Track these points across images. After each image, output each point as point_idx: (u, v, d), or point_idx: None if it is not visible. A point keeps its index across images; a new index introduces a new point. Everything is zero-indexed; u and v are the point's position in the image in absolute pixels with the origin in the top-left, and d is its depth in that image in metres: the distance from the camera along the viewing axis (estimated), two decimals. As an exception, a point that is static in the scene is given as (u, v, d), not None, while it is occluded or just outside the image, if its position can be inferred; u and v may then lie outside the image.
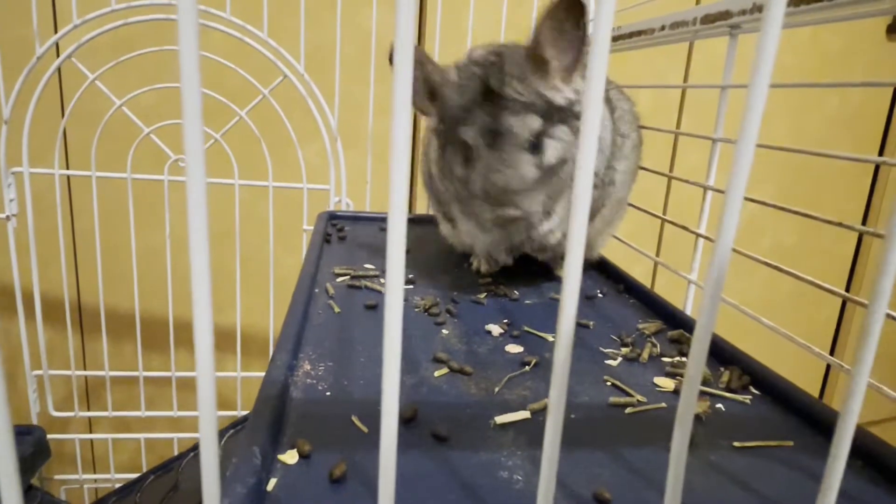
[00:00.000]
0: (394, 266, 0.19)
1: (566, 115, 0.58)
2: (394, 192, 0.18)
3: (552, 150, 0.56)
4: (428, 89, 0.61)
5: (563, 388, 0.19)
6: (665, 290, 0.64)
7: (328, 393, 0.41)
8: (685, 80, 1.46)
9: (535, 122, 0.56)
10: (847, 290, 1.67)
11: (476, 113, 0.56)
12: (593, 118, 0.19)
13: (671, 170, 1.50)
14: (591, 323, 0.58)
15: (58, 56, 1.01)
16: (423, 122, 0.91)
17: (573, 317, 0.20)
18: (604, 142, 0.63)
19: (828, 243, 1.64)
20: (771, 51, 0.18)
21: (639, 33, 0.71)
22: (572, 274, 0.20)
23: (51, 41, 0.97)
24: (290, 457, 0.33)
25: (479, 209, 0.57)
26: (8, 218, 1.04)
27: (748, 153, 0.19)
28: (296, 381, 0.42)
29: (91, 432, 1.40)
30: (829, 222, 0.48)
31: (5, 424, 0.18)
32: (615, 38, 0.77)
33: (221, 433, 0.93)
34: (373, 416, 0.38)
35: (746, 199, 0.59)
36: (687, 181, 0.65)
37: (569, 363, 0.19)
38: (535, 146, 0.56)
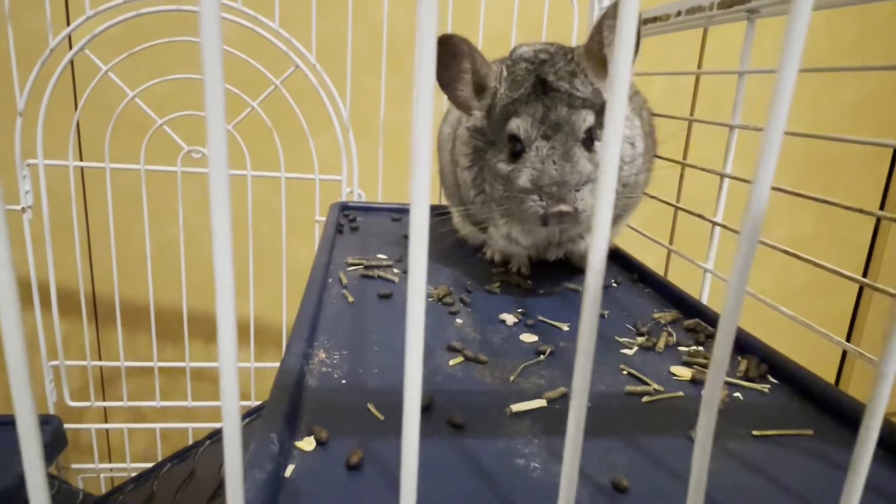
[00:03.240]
0: (416, 255, 0.18)
1: None
2: (414, 183, 0.17)
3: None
4: (475, 83, 0.60)
5: (586, 377, 0.19)
6: (678, 279, 0.63)
7: (343, 381, 0.41)
8: (699, 69, 1.44)
9: (590, 117, 0.55)
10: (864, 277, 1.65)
11: (531, 105, 0.55)
12: (620, 104, 0.19)
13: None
14: (606, 312, 0.58)
15: (70, 48, 1.01)
16: (440, 120, 0.91)
17: (597, 307, 0.20)
18: (636, 150, 0.62)
19: (844, 233, 1.62)
20: (801, 31, 0.18)
21: (654, 20, 0.70)
22: (596, 261, 0.19)
23: (64, 33, 0.97)
24: (308, 443, 0.33)
25: (529, 205, 0.54)
26: (23, 210, 1.04)
27: (776, 139, 0.18)
28: (311, 370, 0.42)
29: (106, 422, 1.42)
30: (850, 208, 0.47)
31: (31, 417, 0.18)
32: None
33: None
34: (388, 404, 0.38)
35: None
36: (703, 169, 0.64)
37: (592, 349, 0.19)
38: (589, 144, 0.55)
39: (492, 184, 0.59)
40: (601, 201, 0.19)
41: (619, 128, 0.19)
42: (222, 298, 0.16)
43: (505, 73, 0.58)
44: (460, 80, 0.59)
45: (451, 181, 0.69)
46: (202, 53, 0.16)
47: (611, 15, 0.54)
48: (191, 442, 1.11)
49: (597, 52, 0.57)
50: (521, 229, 0.61)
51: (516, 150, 0.56)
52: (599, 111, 0.56)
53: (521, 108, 0.55)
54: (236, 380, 0.17)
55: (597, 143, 0.56)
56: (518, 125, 0.55)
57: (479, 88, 0.60)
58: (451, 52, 0.58)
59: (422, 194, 0.18)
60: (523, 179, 0.54)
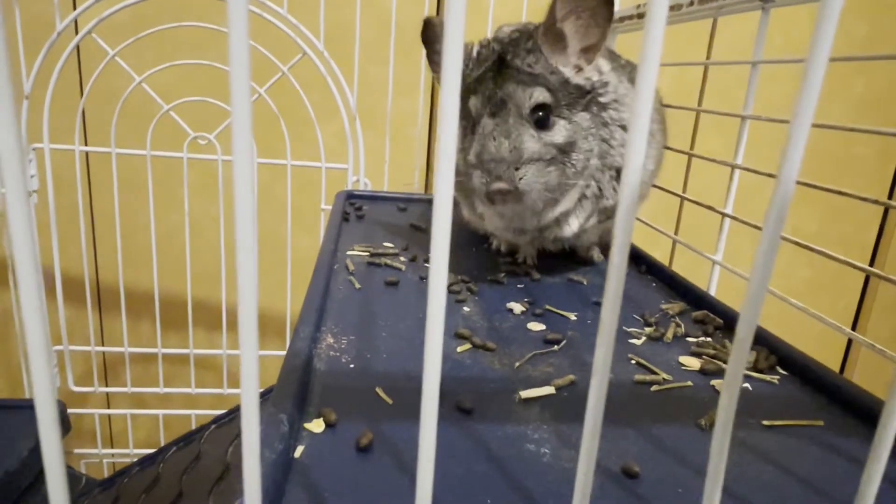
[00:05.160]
0: (439, 244, 0.18)
1: (587, 99, 0.56)
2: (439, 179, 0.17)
3: (560, 130, 0.55)
4: None
5: (608, 356, 0.19)
6: (683, 274, 0.63)
7: (351, 365, 0.41)
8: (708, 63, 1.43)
9: (540, 94, 0.54)
10: (868, 277, 1.64)
11: (485, 83, 0.56)
12: (647, 97, 0.18)
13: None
14: (614, 303, 0.58)
15: (77, 33, 1.01)
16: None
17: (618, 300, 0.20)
18: (658, 144, 0.63)
19: (849, 231, 1.61)
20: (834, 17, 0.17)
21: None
22: (620, 253, 0.19)
23: (71, 16, 0.97)
24: (317, 425, 0.33)
25: (475, 180, 0.55)
26: (29, 194, 1.04)
27: (804, 128, 0.18)
28: (319, 354, 0.42)
29: (109, 408, 1.42)
30: (858, 197, 0.47)
31: (50, 403, 0.18)
32: (640, 16, 0.75)
33: (238, 408, 0.94)
34: (396, 389, 0.38)
35: (767, 174, 0.58)
36: (715, 160, 0.64)
37: (615, 329, 0.19)
38: (543, 122, 0.55)
39: (459, 155, 0.59)
40: (624, 194, 0.19)
41: (645, 120, 0.19)
42: (244, 268, 0.16)
43: (475, 54, 0.59)
44: (435, 62, 0.63)
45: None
46: (229, 44, 0.16)
47: None
48: (193, 429, 1.12)
49: (552, 29, 0.55)
50: (485, 209, 0.62)
51: (470, 126, 0.57)
52: (555, 89, 0.55)
53: (477, 87, 0.56)
54: (256, 354, 0.17)
55: (556, 123, 0.55)
56: (472, 102, 0.56)
57: None
58: (431, 34, 0.61)
59: (445, 182, 0.18)
60: (470, 155, 0.55)
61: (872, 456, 0.21)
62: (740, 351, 0.17)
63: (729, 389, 0.18)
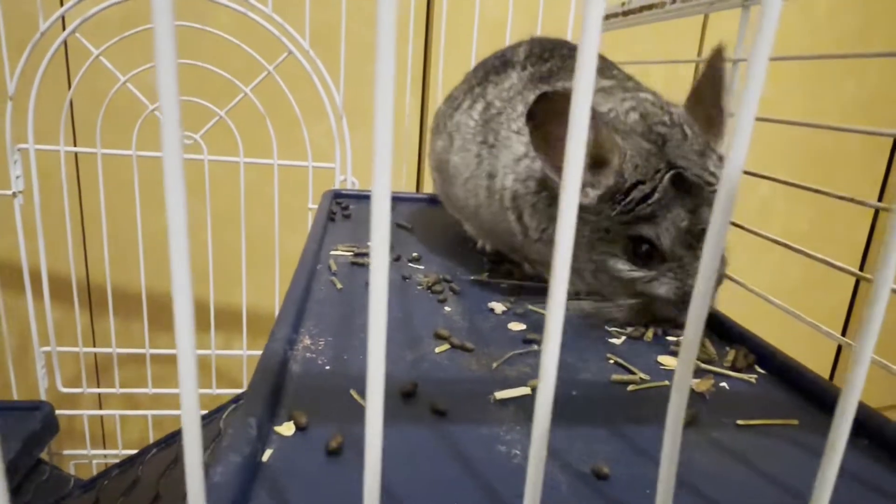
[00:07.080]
0: (379, 236, 0.18)
1: None
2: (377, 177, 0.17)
3: None
4: (594, 157, 0.50)
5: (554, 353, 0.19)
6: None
7: (327, 367, 0.41)
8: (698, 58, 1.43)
9: None
10: (858, 275, 1.65)
11: (671, 210, 0.48)
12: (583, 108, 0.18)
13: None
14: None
15: (64, 31, 1.00)
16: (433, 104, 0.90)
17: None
18: None
19: (840, 229, 1.62)
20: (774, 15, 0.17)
21: (649, 7, 0.69)
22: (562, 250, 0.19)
23: (55, 15, 0.96)
24: (287, 428, 0.33)
25: (662, 312, 0.51)
26: (14, 195, 1.04)
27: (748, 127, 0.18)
28: (295, 355, 0.42)
29: (101, 409, 1.42)
30: (847, 199, 0.47)
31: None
32: (625, 13, 0.75)
33: (223, 408, 0.94)
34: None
35: (762, 176, 0.58)
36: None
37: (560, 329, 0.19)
38: None
39: (595, 274, 0.53)
40: (566, 194, 0.19)
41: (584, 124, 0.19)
42: (178, 270, 0.16)
43: (629, 154, 0.49)
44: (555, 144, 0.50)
45: (467, 206, 0.67)
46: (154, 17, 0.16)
47: (712, 67, 0.51)
48: (175, 430, 1.11)
49: (706, 107, 0.53)
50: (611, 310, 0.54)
51: (645, 253, 0.50)
52: None
53: (659, 212, 0.48)
54: (194, 356, 0.17)
55: None
56: (657, 233, 0.49)
57: (597, 164, 0.50)
58: (562, 113, 0.52)
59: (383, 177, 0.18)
60: (664, 291, 0.50)
61: (829, 446, 0.21)
62: (688, 353, 0.17)
63: (678, 389, 0.18)
